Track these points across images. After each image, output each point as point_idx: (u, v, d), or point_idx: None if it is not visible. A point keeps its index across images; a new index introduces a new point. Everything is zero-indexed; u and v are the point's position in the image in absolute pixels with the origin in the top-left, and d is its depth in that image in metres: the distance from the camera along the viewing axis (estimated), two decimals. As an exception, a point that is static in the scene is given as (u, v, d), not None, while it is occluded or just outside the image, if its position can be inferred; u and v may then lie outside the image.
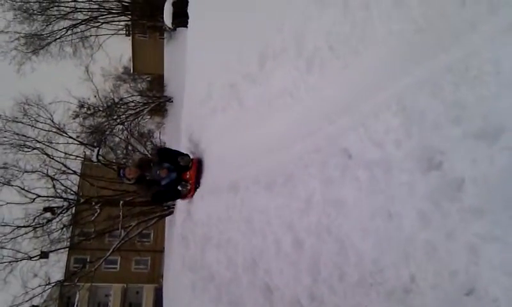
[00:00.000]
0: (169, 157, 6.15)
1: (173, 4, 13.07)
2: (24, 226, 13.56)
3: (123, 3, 21.06)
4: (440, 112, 2.40)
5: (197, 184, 6.10)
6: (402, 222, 2.38)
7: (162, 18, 14.04)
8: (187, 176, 6.08)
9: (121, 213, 12.73)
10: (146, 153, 14.63)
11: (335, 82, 3.63)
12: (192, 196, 6.11)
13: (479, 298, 1.96)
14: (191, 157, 6.31)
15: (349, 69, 3.50)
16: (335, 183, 3.06)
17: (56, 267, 15.66)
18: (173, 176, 6.04)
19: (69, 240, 15.33)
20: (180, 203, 7.30)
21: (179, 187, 6.03)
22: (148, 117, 18.65)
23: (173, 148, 7.13)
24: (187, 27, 10.86)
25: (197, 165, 6.11)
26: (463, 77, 2.37)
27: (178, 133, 8.84)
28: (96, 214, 13.21)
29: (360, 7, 3.37)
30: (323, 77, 3.79)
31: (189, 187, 6.06)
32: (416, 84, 2.73)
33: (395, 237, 2.42)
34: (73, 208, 14.23)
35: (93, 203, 13.24)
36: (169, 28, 14.95)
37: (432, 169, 2.31)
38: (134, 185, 6.36)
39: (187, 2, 10.75)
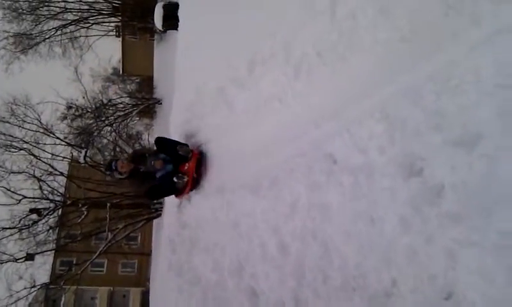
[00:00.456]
0: (167, 147, 5.54)
1: (164, 7, 13.08)
2: (9, 228, 13.39)
3: (114, 4, 20.98)
4: (422, 120, 2.46)
5: (196, 179, 5.43)
6: (384, 226, 2.43)
7: (153, 20, 14.03)
8: (185, 168, 5.41)
9: (108, 216, 12.64)
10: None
11: (322, 88, 3.67)
12: (188, 191, 5.48)
13: (457, 302, 2.01)
14: (191, 147, 5.64)
15: (336, 76, 3.55)
16: (320, 188, 3.11)
17: (42, 270, 15.48)
18: (169, 168, 5.40)
19: (55, 242, 15.17)
20: (168, 205, 7.25)
21: (174, 179, 5.33)
22: (137, 119, 18.56)
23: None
24: (177, 29, 10.87)
25: (198, 157, 5.45)
26: (444, 85, 2.44)
27: (167, 135, 8.82)
28: (83, 216, 13.10)
29: (346, 17, 3.44)
30: (310, 83, 3.83)
31: (185, 180, 5.35)
32: (399, 92, 2.80)
33: (377, 241, 2.47)
34: (60, 209, 14.09)
35: (80, 205, 13.13)
36: (160, 30, 14.94)
37: (414, 175, 2.37)
38: (126, 179, 5.60)
39: (178, 5, 10.78)
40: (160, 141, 5.75)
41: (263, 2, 4.96)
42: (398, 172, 2.46)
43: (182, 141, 5.89)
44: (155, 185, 5.47)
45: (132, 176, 5.43)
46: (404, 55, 2.89)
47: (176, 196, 5.76)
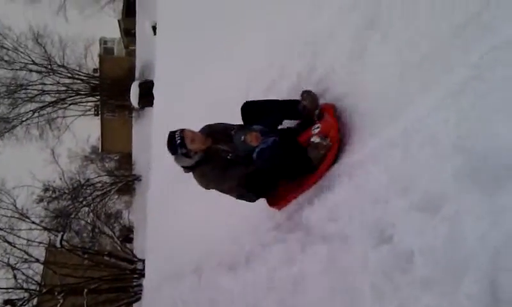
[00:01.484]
0: (266, 111, 3.35)
1: (140, 86, 13.52)
2: (-20, 324, 12.61)
3: (91, 84, 21.44)
4: (388, 186, 2.50)
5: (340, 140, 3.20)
6: (358, 296, 2.38)
7: (130, 98, 14.41)
8: (316, 132, 3.22)
9: (85, 303, 12.02)
10: (113, 235, 14.17)
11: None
12: (324, 171, 3.23)
13: None
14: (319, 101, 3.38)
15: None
16: (295, 260, 3.07)
17: None
18: (271, 140, 3.15)
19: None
20: (147, 286, 6.98)
21: (314, 139, 3.17)
22: (116, 197, 18.38)
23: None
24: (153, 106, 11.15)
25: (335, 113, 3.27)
26: (406, 150, 2.50)
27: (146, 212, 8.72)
28: (59, 305, 12.42)
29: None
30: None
31: (330, 143, 3.14)
32: (365, 158, 2.87)
33: (354, 313, 2.40)
34: (35, 299, 13.39)
35: (56, 293, 12.50)
36: (137, 107, 15.29)
37: (384, 243, 2.35)
38: (197, 167, 3.32)
39: (153, 83, 11.13)
40: (250, 105, 3.44)
41: (229, 82, 5.16)
42: (369, 240, 2.45)
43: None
44: (257, 169, 3.21)
45: (207, 159, 3.26)
46: (368, 120, 3.00)
47: (276, 202, 3.52)
